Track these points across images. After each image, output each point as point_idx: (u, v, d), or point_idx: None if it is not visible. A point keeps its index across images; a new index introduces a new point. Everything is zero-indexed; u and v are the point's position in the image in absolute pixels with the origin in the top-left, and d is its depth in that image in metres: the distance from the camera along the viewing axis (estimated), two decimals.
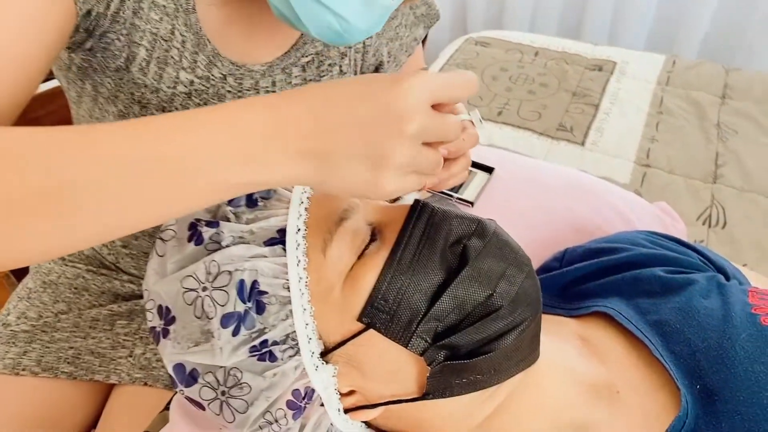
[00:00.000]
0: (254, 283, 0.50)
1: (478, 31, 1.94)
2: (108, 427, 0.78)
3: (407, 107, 0.41)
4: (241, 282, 0.49)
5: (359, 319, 0.50)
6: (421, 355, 0.49)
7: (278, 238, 0.52)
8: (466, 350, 0.50)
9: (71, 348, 0.80)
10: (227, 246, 0.51)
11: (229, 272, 0.50)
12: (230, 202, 0.53)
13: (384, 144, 0.41)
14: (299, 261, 0.51)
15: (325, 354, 0.51)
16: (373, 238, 0.52)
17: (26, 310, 0.82)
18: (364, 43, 0.77)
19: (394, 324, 0.49)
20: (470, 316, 0.50)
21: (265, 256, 0.51)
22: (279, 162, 0.41)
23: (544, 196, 0.88)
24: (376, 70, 0.82)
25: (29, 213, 0.37)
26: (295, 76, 0.73)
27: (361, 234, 0.52)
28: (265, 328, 0.50)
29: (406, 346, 0.49)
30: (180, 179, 0.39)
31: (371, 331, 0.49)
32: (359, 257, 0.51)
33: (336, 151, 0.41)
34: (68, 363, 0.79)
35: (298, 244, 0.51)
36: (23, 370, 0.77)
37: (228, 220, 0.52)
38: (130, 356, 0.80)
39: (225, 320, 0.49)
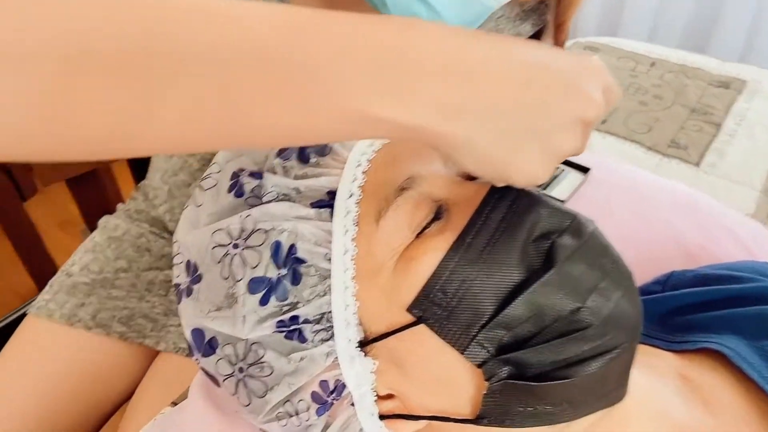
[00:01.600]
0: (292, 247, 0.42)
1: (588, 36, 1.80)
2: (145, 392, 0.76)
3: (594, 94, 0.36)
4: (277, 244, 0.42)
5: (409, 310, 0.41)
6: (480, 366, 0.40)
7: (327, 201, 0.44)
8: (535, 371, 0.40)
9: (126, 308, 0.79)
10: (268, 202, 0.44)
11: (265, 231, 0.42)
12: (280, 154, 0.46)
13: (564, 127, 0.36)
14: (347, 230, 0.43)
15: (364, 344, 0.43)
16: (437, 216, 0.43)
17: (90, 262, 0.81)
18: None
19: (451, 323, 0.40)
20: (548, 331, 0.40)
21: (310, 219, 0.43)
22: (432, 107, 0.33)
23: (646, 209, 0.76)
24: None
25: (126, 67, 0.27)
26: None
27: (423, 208, 0.43)
28: (298, 302, 0.42)
29: (462, 352, 0.40)
30: (310, 88, 0.30)
31: (422, 326, 0.41)
32: (418, 235, 0.42)
33: (511, 119, 0.34)
34: (121, 323, 0.77)
35: (348, 211, 0.43)
36: (78, 321, 0.76)
37: (275, 173, 0.45)
38: (180, 325, 0.76)
39: (253, 285, 0.42)
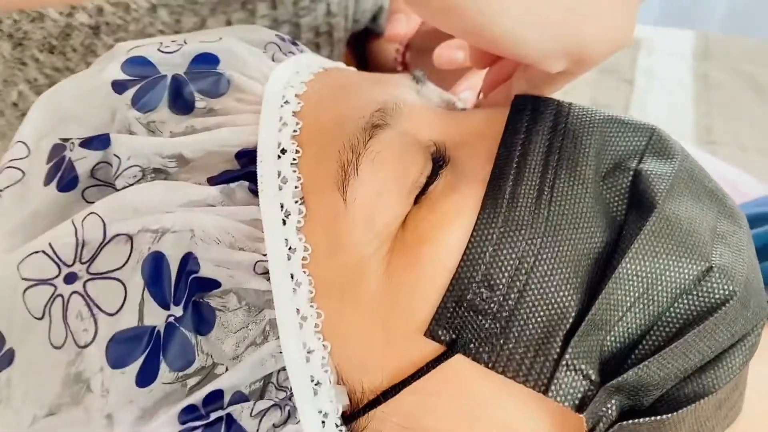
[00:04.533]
0: (186, 261, 0.22)
1: None
2: None
3: None
4: (156, 259, 0.22)
5: (430, 333, 0.22)
6: (579, 409, 0.22)
7: (237, 170, 0.24)
8: (657, 393, 0.22)
9: None
10: (126, 187, 0.23)
11: (129, 238, 0.22)
12: (137, 101, 0.25)
13: None
14: (287, 213, 0.23)
15: (350, 419, 0.23)
16: (437, 166, 0.25)
17: None
18: None
19: (512, 341, 0.22)
20: (667, 320, 0.23)
21: (211, 205, 0.23)
22: None
23: None
24: (374, 18, 0.57)
25: None
26: (261, 16, 0.48)
27: (415, 156, 0.24)
28: (215, 364, 0.22)
29: (545, 391, 0.22)
30: None
31: (458, 358, 0.22)
32: (417, 201, 0.24)
33: None
34: None
35: (284, 180, 0.24)
36: None
37: (131, 133, 0.25)
38: None
39: (118, 350, 0.21)
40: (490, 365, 0.22)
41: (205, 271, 0.22)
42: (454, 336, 0.22)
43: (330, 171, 0.24)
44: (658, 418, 0.22)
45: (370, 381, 0.23)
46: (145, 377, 0.21)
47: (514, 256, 0.22)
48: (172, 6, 0.43)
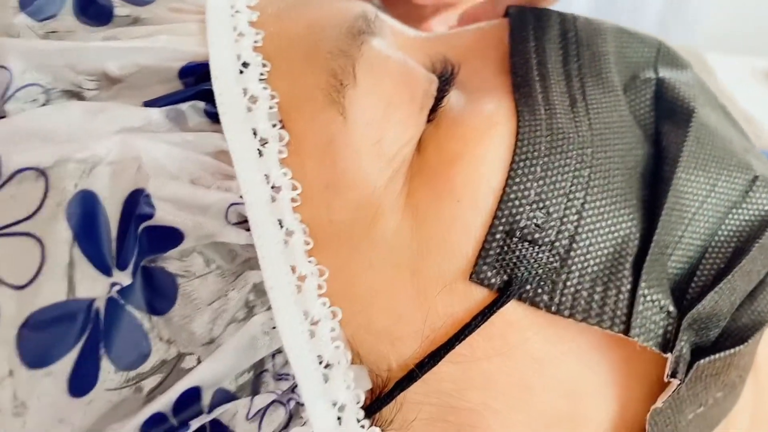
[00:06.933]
0: (134, 199, 0.15)
1: None
2: None
3: None
4: (88, 200, 0.15)
5: (477, 276, 0.17)
6: (664, 348, 0.17)
7: (185, 91, 0.18)
8: (721, 324, 0.20)
9: None
10: (22, 112, 0.16)
11: (41, 172, 0.15)
12: (27, 3, 0.18)
13: None
14: (262, 140, 0.17)
15: (376, 407, 0.17)
16: (447, 78, 0.20)
17: None
18: None
19: (575, 275, 0.17)
20: (723, 237, 0.20)
21: (155, 131, 0.17)
22: None
23: None
24: None
25: None
26: None
27: (418, 66, 0.19)
28: (179, 355, 0.15)
29: (625, 331, 0.17)
30: None
31: (513, 304, 0.17)
32: (430, 119, 0.19)
33: None
34: None
35: (251, 98, 0.18)
36: None
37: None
38: None
39: (34, 340, 0.14)
40: (553, 308, 0.17)
41: (163, 215, 0.15)
42: (506, 277, 0.17)
43: (316, 83, 0.18)
44: (731, 351, 0.18)
45: (400, 353, 0.17)
46: (82, 381, 0.14)
47: (568, 170, 0.18)
48: None
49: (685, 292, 0.19)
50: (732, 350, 0.19)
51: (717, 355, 0.18)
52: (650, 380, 0.19)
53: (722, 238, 0.20)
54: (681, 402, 0.19)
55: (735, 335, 0.20)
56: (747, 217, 0.20)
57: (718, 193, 0.20)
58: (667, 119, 0.21)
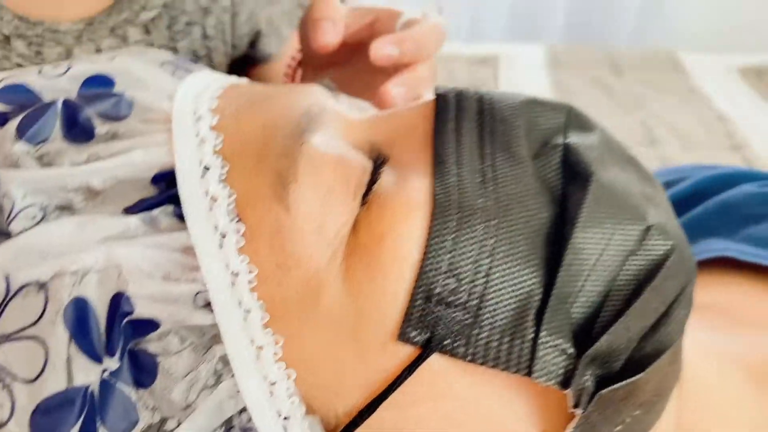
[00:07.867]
0: (117, 301, 0.19)
1: None
2: None
3: None
4: (80, 305, 0.18)
5: (403, 336, 0.20)
6: (564, 386, 0.21)
7: (157, 197, 0.21)
8: (624, 356, 0.23)
9: None
10: (22, 231, 0.20)
11: (41, 285, 0.18)
12: (24, 130, 0.22)
13: None
14: (223, 234, 0.21)
15: None
16: (378, 164, 0.23)
17: None
18: (232, 0, 0.52)
19: (486, 329, 0.21)
20: (620, 281, 0.23)
21: (133, 236, 0.20)
22: None
23: None
24: (252, 44, 0.56)
25: None
26: (134, 42, 0.45)
27: (353, 157, 0.23)
28: (162, 420, 0.19)
29: (528, 374, 0.21)
30: None
31: (435, 358, 0.21)
32: (364, 202, 0.22)
33: None
34: None
35: (212, 198, 0.21)
36: None
37: (19, 168, 0.21)
38: None
39: (44, 423, 0.17)
40: (468, 358, 0.21)
41: (141, 310, 0.19)
42: (427, 335, 0.21)
43: (265, 181, 0.21)
44: (632, 380, 0.22)
45: (345, 404, 0.21)
46: None
47: (474, 241, 0.21)
48: (29, 36, 0.38)
49: (590, 332, 0.23)
50: (632, 378, 0.22)
51: (617, 385, 0.22)
52: (566, 411, 0.22)
53: (621, 283, 0.23)
54: (593, 426, 0.22)
55: (638, 363, 0.23)
56: (642, 263, 0.23)
57: (614, 245, 0.23)
58: (571, 181, 0.24)
